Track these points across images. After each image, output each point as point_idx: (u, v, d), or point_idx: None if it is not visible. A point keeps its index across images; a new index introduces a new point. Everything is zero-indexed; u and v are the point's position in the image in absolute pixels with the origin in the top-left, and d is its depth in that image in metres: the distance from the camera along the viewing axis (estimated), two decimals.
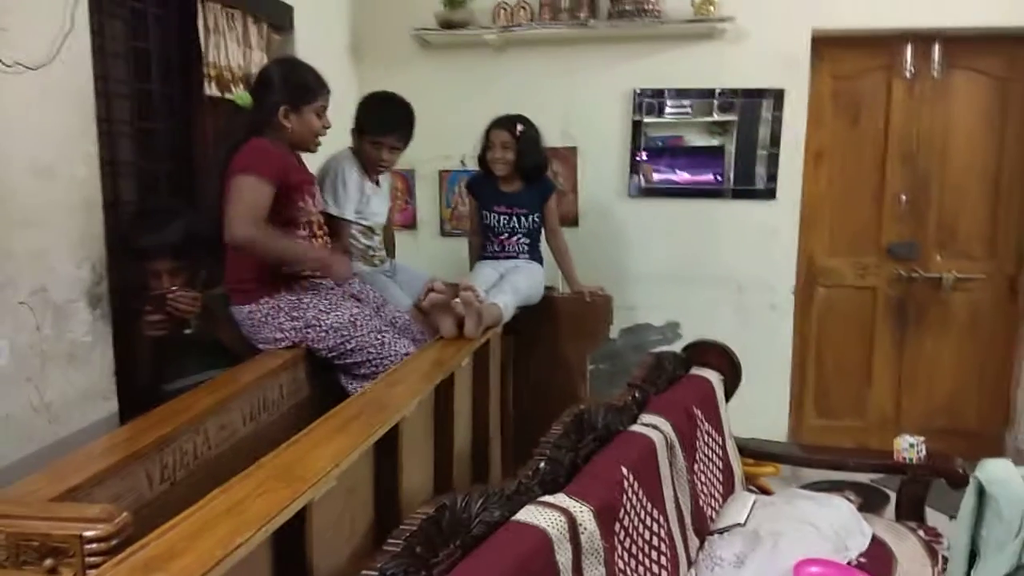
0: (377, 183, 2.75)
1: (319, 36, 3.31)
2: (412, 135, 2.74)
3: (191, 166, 2.63)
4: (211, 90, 2.57)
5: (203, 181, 2.55)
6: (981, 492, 1.57)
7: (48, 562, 1.07)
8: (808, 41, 3.50)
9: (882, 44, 3.60)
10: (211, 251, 2.22)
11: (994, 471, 1.57)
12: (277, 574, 1.29)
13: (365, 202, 2.66)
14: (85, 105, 1.91)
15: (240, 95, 2.16)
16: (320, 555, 1.36)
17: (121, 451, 1.40)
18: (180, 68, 2.58)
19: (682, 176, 3.66)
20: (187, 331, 2.25)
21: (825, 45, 3.59)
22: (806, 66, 3.52)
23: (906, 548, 2.16)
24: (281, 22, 2.98)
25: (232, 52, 2.67)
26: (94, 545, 1.05)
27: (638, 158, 3.65)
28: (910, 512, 2.32)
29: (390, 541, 1.22)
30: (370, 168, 2.68)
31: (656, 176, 3.66)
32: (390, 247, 3.03)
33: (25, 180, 1.73)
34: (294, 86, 2.18)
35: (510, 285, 2.66)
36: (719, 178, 3.63)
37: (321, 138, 2.29)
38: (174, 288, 2.10)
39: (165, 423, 1.55)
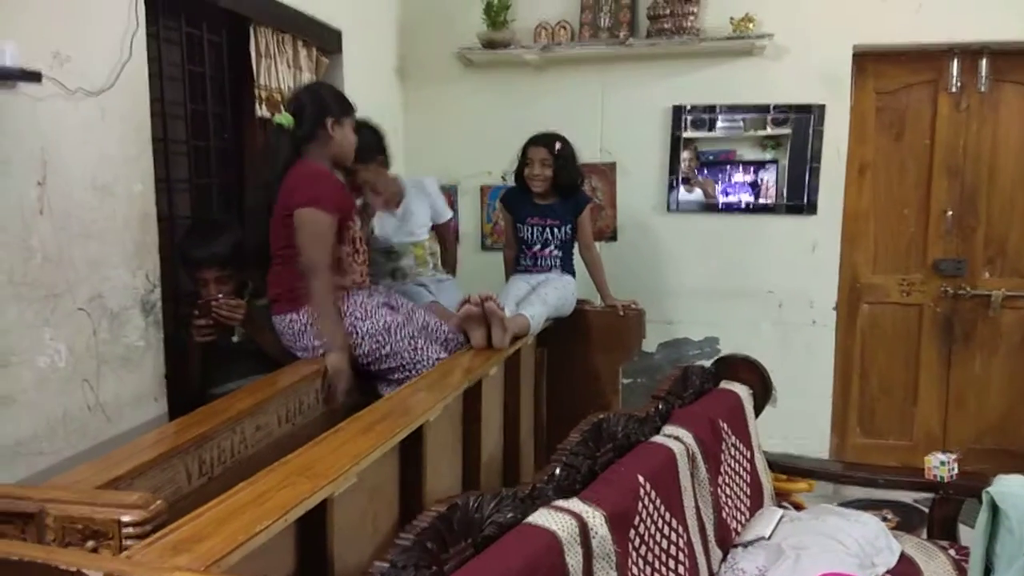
0: (388, 207, 2.83)
1: (366, 58, 3.45)
2: (384, 152, 2.79)
3: (241, 182, 2.78)
4: (261, 111, 2.72)
5: (252, 196, 2.69)
6: (995, 508, 1.56)
7: (90, 543, 1.17)
8: (849, 56, 3.49)
9: (926, 59, 3.56)
10: (257, 263, 2.35)
11: (1006, 487, 1.56)
12: (300, 563, 1.38)
13: (381, 228, 2.79)
14: (142, 126, 2.06)
15: (282, 116, 2.28)
16: (342, 549, 1.44)
17: (163, 446, 1.52)
18: (232, 90, 2.74)
19: (733, 191, 3.67)
20: (234, 339, 2.39)
21: (868, 60, 3.58)
22: (847, 82, 3.52)
23: (936, 567, 2.13)
24: (329, 45, 3.13)
25: (282, 74, 2.82)
26: (130, 529, 1.15)
27: (681, 174, 3.68)
28: (942, 530, 2.29)
29: (402, 535, 1.30)
30: (365, 195, 2.73)
31: (710, 191, 3.68)
32: (450, 262, 3.13)
33: (86, 196, 1.87)
34: (335, 99, 2.32)
35: (539, 297, 2.73)
36: (770, 193, 3.63)
37: None
38: (219, 296, 2.24)
39: (205, 422, 1.66)
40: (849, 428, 3.88)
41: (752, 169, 3.66)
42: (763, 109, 3.58)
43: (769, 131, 3.60)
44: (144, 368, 2.07)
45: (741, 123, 3.62)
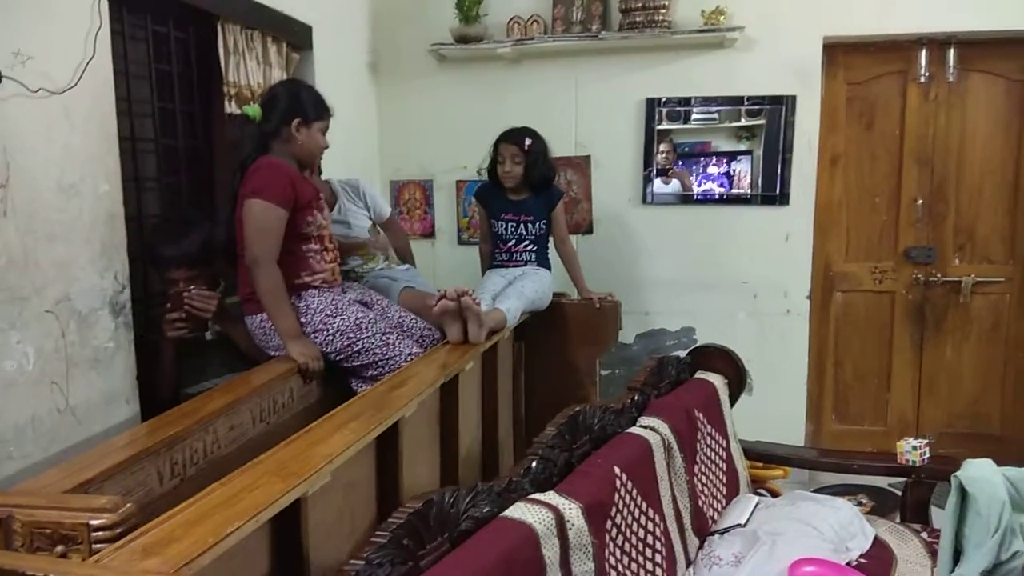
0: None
1: (338, 54, 3.42)
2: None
3: (211, 180, 2.75)
4: (231, 108, 2.68)
5: (222, 194, 2.67)
6: (963, 492, 1.59)
7: (59, 548, 1.16)
8: (819, 48, 3.52)
9: (895, 49, 3.60)
10: (227, 261, 2.33)
11: (974, 471, 1.59)
12: (275, 563, 1.37)
13: None
14: (107, 125, 2.03)
15: (251, 108, 2.26)
16: (318, 548, 1.43)
17: (133, 448, 1.50)
18: (201, 87, 2.70)
19: (709, 183, 3.69)
20: (207, 336, 2.37)
21: (838, 51, 3.61)
22: (817, 73, 3.54)
23: (908, 550, 2.17)
24: (300, 41, 3.10)
25: (252, 71, 2.79)
26: (100, 533, 1.14)
27: (657, 166, 3.69)
28: (915, 514, 2.33)
29: (378, 532, 1.30)
30: None
31: (687, 183, 3.70)
32: (406, 254, 3.11)
33: (51, 196, 1.84)
34: (305, 101, 2.29)
35: (515, 290, 2.74)
36: (745, 184, 3.65)
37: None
38: (191, 287, 2.21)
39: (177, 423, 1.64)
40: (824, 415, 3.92)
41: (726, 160, 3.68)
42: (738, 101, 3.60)
43: (743, 122, 3.63)
44: (114, 370, 2.05)
45: (716, 115, 3.64)
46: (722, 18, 3.43)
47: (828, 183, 3.73)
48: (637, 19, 3.48)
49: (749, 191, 3.65)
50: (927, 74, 3.61)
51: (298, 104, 2.28)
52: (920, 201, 3.71)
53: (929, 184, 3.70)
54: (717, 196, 3.68)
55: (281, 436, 1.78)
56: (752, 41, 3.51)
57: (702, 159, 3.70)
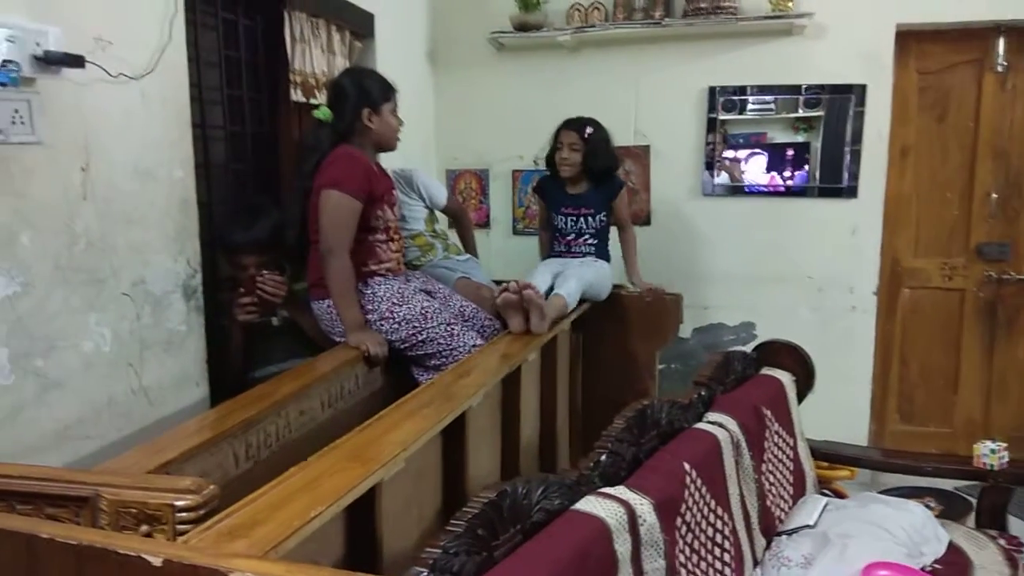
0: None
1: (398, 42, 3.43)
2: None
3: (277, 168, 2.77)
4: (296, 96, 2.71)
5: (287, 182, 2.69)
6: None
7: (143, 528, 1.17)
8: (892, 35, 3.40)
9: (971, 37, 3.46)
10: (295, 248, 2.35)
11: None
12: (349, 548, 1.37)
13: None
14: (182, 111, 2.06)
15: (321, 111, 2.29)
16: (389, 534, 1.44)
17: (210, 431, 1.52)
18: (268, 75, 2.73)
19: (763, 174, 3.61)
20: (274, 322, 2.39)
21: (910, 39, 3.49)
22: (889, 61, 3.43)
23: (985, 556, 2.09)
24: (362, 29, 3.11)
25: (316, 59, 2.81)
26: (184, 514, 1.15)
27: (716, 157, 3.62)
28: (991, 520, 2.25)
29: (453, 522, 1.29)
30: None
31: (737, 175, 3.62)
32: (469, 244, 3.10)
33: (128, 181, 1.88)
34: (370, 88, 2.30)
35: (575, 273, 2.69)
36: (802, 176, 3.56)
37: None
38: (264, 272, 2.25)
39: (251, 407, 1.66)
40: (888, 415, 3.81)
41: (788, 152, 3.58)
42: (795, 90, 3.50)
43: (801, 113, 3.52)
44: (186, 352, 2.08)
45: (773, 105, 3.55)
46: (790, 4, 3.34)
47: (897, 176, 3.61)
48: (702, 5, 3.41)
49: (812, 183, 3.55)
50: (1004, 63, 3.46)
51: (364, 93, 2.28)
52: (994, 195, 3.57)
53: (1004, 177, 3.55)
54: (780, 189, 3.59)
55: (348, 422, 1.80)
56: (821, 28, 3.41)
57: (761, 150, 3.61)
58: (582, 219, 2.97)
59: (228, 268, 2.38)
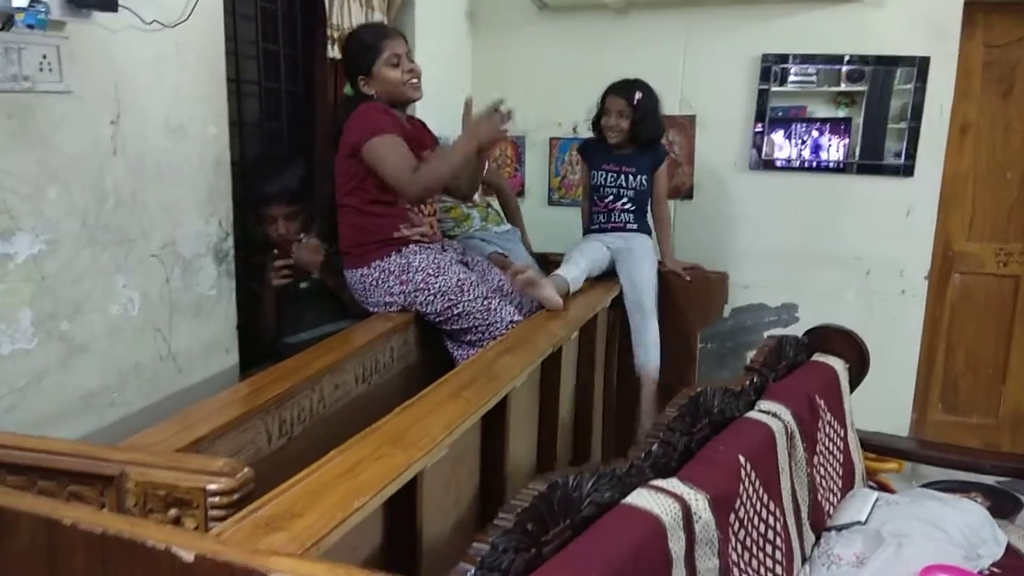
0: None
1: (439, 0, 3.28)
2: None
3: (312, 127, 2.67)
4: (333, 52, 2.58)
5: (322, 143, 2.59)
6: None
7: (172, 512, 1.09)
8: (960, 5, 3.20)
9: None
10: (325, 205, 2.27)
11: None
12: (387, 536, 1.29)
13: None
14: (217, 65, 1.95)
15: (348, 87, 2.22)
16: (428, 519, 1.36)
17: (243, 405, 1.44)
18: (304, 30, 2.60)
19: (803, 150, 3.44)
20: (303, 285, 2.31)
21: (978, 9, 3.27)
22: (956, 32, 3.22)
23: None
24: None
25: (355, 14, 2.67)
26: (217, 499, 1.07)
27: (758, 129, 3.46)
28: None
29: (501, 516, 1.19)
30: None
31: (775, 150, 3.46)
32: (512, 215, 2.99)
33: (160, 137, 1.78)
34: (353, 54, 2.22)
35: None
36: (842, 153, 3.40)
37: (416, 81, 2.24)
38: (300, 237, 2.17)
39: (284, 380, 1.58)
40: (930, 404, 3.68)
41: (838, 126, 3.41)
42: (838, 60, 3.31)
43: (843, 87, 3.34)
44: (216, 318, 2.00)
45: (815, 77, 3.37)
46: None
47: (956, 154, 3.42)
48: None
49: (849, 159, 3.38)
50: None
51: (351, 63, 2.23)
52: None
53: None
54: (833, 165, 3.42)
55: (383, 396, 1.72)
56: None
57: (810, 124, 3.44)
58: (622, 176, 2.86)
59: (255, 222, 2.31)
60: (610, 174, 2.88)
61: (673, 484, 1.49)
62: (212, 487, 1.07)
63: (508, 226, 2.86)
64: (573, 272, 2.54)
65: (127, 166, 1.70)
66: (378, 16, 2.83)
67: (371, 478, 1.12)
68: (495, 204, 2.93)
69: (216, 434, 1.31)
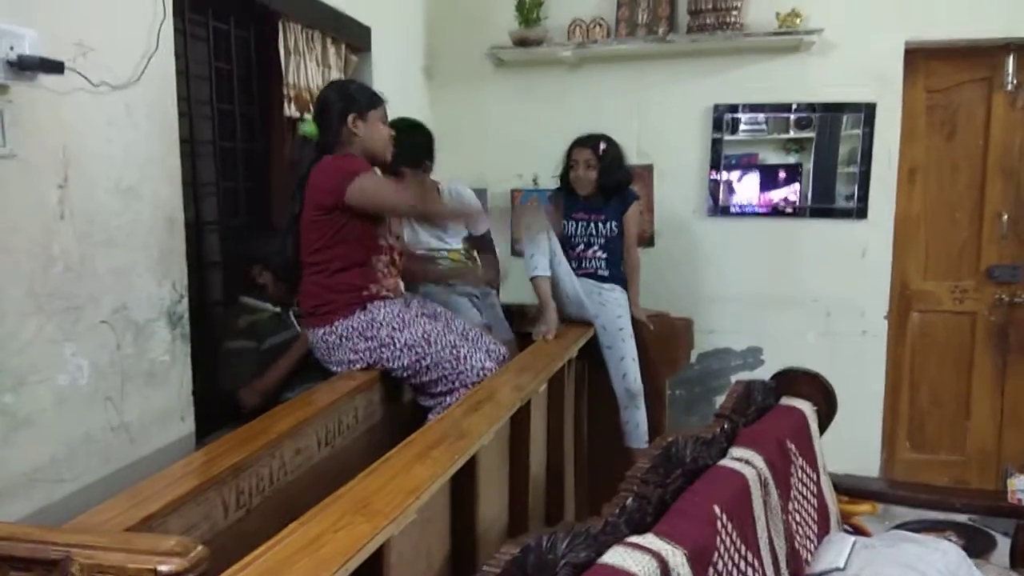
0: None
1: (395, 56, 3.32)
2: (431, 157, 2.72)
3: (268, 186, 2.63)
4: (290, 110, 2.57)
5: (278, 201, 2.56)
6: None
7: None
8: (901, 53, 3.32)
9: (981, 55, 3.39)
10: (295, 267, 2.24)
11: None
12: None
13: (414, 235, 2.71)
14: (169, 125, 1.91)
15: (307, 125, 2.18)
16: None
17: (197, 477, 1.36)
18: (260, 89, 2.59)
19: (758, 195, 3.51)
20: (263, 346, 2.26)
21: (919, 57, 3.41)
22: (899, 79, 3.35)
23: None
24: (359, 43, 2.99)
25: (311, 73, 2.68)
26: None
27: (713, 177, 3.53)
28: None
29: None
30: None
31: (732, 197, 3.53)
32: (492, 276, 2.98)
33: (110, 199, 1.73)
34: (356, 95, 2.18)
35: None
36: (796, 197, 3.47)
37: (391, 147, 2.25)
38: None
39: (242, 447, 1.51)
40: (898, 443, 3.69)
41: (790, 172, 3.48)
42: (786, 109, 3.41)
43: (792, 134, 3.44)
44: (170, 384, 1.92)
45: (764, 125, 3.46)
46: (799, 20, 3.26)
47: (906, 196, 3.52)
48: (707, 21, 3.32)
49: (798, 205, 3.46)
50: (1014, 81, 3.40)
51: (349, 99, 2.16)
52: (1005, 216, 3.48)
53: (1015, 197, 3.47)
54: (788, 210, 3.48)
55: (347, 460, 1.65)
56: (830, 45, 3.33)
57: (767, 170, 3.51)
58: (593, 225, 2.89)
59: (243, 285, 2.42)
60: (580, 223, 2.91)
61: (649, 540, 1.45)
62: (163, 568, 1.00)
63: (491, 291, 2.87)
64: (542, 263, 2.66)
65: (76, 230, 1.64)
66: (335, 73, 2.84)
67: (334, 551, 1.06)
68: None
69: (168, 509, 1.24)
